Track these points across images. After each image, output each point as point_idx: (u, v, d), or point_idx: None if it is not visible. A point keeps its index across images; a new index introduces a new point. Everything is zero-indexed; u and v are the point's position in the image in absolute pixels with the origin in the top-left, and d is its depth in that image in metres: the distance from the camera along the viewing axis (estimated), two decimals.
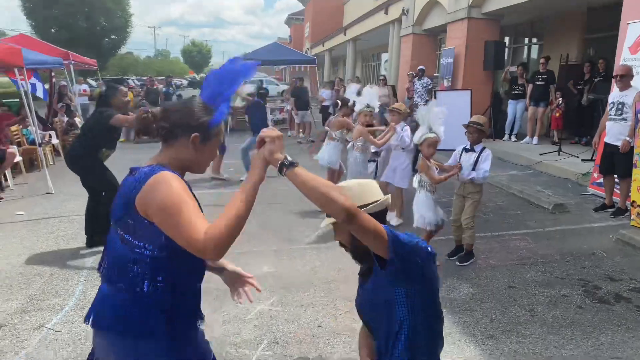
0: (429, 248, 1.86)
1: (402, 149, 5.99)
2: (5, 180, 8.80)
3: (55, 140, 11.62)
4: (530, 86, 11.07)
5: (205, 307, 2.01)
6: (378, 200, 1.93)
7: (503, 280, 4.50)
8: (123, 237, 1.76)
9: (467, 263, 4.85)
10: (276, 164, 1.69)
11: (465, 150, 4.93)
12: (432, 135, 4.86)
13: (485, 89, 12.21)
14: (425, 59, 15.62)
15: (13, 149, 9.09)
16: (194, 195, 1.78)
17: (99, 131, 5.17)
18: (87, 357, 2.01)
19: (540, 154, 9.48)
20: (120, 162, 5.57)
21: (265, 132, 1.75)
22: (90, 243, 5.48)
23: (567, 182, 8.04)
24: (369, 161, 6.63)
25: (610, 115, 6.07)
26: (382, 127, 6.67)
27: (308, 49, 43.65)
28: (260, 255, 5.20)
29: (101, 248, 1.99)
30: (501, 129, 12.07)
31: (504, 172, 9.09)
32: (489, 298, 4.17)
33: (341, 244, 1.98)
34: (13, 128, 10.28)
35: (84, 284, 4.55)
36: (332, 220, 1.85)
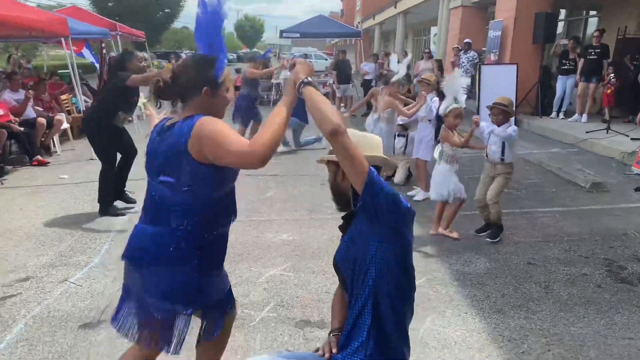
0: (408, 205, 1.83)
1: (429, 120, 5.86)
2: (54, 145, 9.25)
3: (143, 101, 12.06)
4: (582, 61, 10.52)
5: None
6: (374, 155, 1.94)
7: (523, 257, 4.38)
8: (165, 181, 2.00)
9: (498, 239, 4.70)
10: (298, 82, 1.85)
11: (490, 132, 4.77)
12: (457, 105, 4.73)
13: (533, 64, 11.69)
14: (474, 33, 15.06)
15: (61, 116, 9.51)
16: None
17: (115, 95, 5.24)
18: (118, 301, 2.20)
19: (587, 132, 9.05)
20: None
21: (297, 60, 1.97)
22: (103, 211, 5.59)
23: (611, 161, 7.67)
24: (398, 136, 6.53)
25: None
26: (409, 100, 6.54)
27: (359, 22, 42.99)
28: (282, 224, 5.26)
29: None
30: (549, 106, 11.59)
31: (545, 149, 8.76)
32: (504, 273, 4.07)
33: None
34: (63, 97, 10.73)
35: (110, 244, 4.76)
36: (327, 157, 1.95)
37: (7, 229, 5.20)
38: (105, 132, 5.43)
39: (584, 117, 10.51)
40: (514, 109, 4.94)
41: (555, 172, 7.02)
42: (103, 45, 14.33)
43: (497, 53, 12.46)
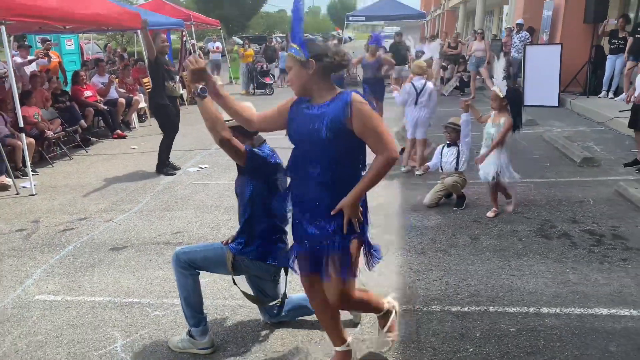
0: (277, 160, 2.86)
1: (415, 103, 6.46)
2: (133, 122, 10.96)
3: (182, 91, 13.70)
4: (630, 39, 10.42)
5: None
6: None
7: (473, 216, 5.10)
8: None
9: (462, 207, 5.37)
10: (193, 90, 2.72)
11: (447, 145, 5.53)
12: (495, 88, 5.03)
13: (584, 44, 11.65)
14: (536, 12, 14.96)
15: (139, 97, 11.18)
16: None
17: (154, 72, 6.65)
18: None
19: (620, 111, 9.13)
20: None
21: (190, 60, 2.49)
22: (159, 170, 7.11)
23: (631, 139, 7.85)
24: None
25: None
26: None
27: (445, 1, 42.44)
28: None
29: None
30: (600, 85, 11.54)
31: (572, 127, 9.03)
32: (448, 227, 4.85)
33: None
34: (145, 80, 12.43)
35: (151, 198, 6.10)
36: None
37: (80, 184, 6.74)
38: (162, 109, 6.87)
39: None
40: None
41: (561, 148, 7.42)
42: (184, 33, 16.07)
43: (549, 33, 12.50)
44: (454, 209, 5.36)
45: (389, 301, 2.98)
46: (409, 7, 18.53)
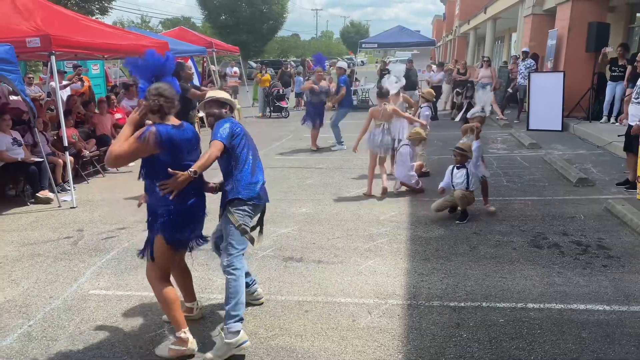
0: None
1: None
2: None
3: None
4: (629, 67, 10.98)
5: None
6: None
7: (474, 229, 5.65)
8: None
9: (465, 221, 5.91)
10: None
11: (456, 167, 6.13)
12: (483, 114, 6.38)
13: (587, 71, 12.25)
14: (542, 40, 15.62)
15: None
16: None
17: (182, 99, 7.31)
18: None
19: (619, 135, 9.65)
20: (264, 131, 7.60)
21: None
22: None
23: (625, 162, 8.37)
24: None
25: (633, 99, 6.61)
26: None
27: (456, 27, 43.42)
28: (306, 202, 6.91)
29: None
30: (602, 111, 12.07)
31: (573, 151, 9.56)
32: (450, 238, 5.40)
33: None
34: None
35: None
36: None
37: (115, 198, 7.40)
38: None
39: None
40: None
41: (559, 169, 7.95)
42: (204, 59, 16.94)
43: (553, 61, 13.11)
44: (457, 222, 5.90)
45: (190, 337, 3.39)
46: (420, 35, 19.31)
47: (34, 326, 3.86)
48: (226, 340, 3.29)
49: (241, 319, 3.39)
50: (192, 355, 3.41)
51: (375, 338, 3.54)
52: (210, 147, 3.38)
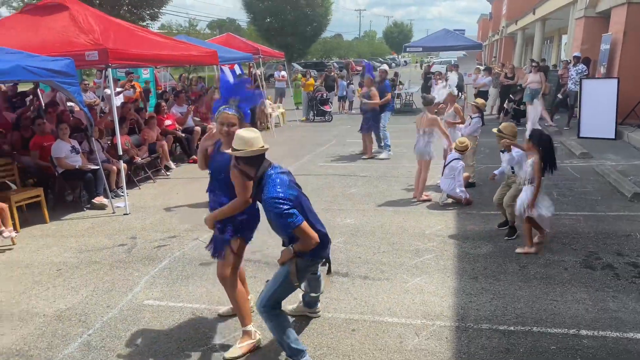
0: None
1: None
2: None
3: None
4: None
5: None
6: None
7: (523, 246, 5.53)
8: None
9: (513, 237, 5.78)
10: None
11: (502, 152, 5.96)
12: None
13: None
14: (596, 44, 15.10)
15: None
16: None
17: None
18: None
19: None
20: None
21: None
22: None
23: None
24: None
25: None
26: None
27: (503, 27, 42.47)
28: (351, 212, 6.95)
29: None
30: None
31: (627, 161, 9.22)
32: (499, 255, 5.32)
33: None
34: None
35: None
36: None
37: (166, 205, 7.63)
38: None
39: None
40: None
41: (612, 182, 7.69)
42: (251, 64, 17.20)
43: (606, 66, 12.67)
44: (505, 238, 5.80)
45: (256, 330, 3.77)
46: (465, 38, 18.99)
47: (93, 335, 4.05)
48: None
49: (304, 351, 3.46)
50: (259, 347, 3.74)
51: None
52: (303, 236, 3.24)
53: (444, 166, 7.27)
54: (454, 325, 3.98)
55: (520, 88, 14.79)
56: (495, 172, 6.09)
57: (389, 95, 10.60)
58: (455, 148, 7.23)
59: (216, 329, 4.08)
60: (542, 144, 5.20)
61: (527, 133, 5.49)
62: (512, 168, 5.80)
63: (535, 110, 6.39)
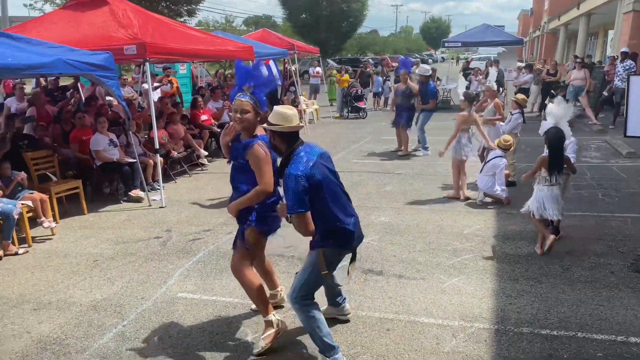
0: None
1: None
2: None
3: None
4: None
5: None
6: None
7: (566, 248, 5.32)
8: None
9: (558, 237, 5.58)
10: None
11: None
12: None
13: None
14: None
15: None
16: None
17: None
18: None
19: None
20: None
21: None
22: None
23: None
24: None
25: None
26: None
27: (545, 23, 41.32)
28: (385, 210, 6.83)
29: None
30: None
31: None
32: (541, 257, 5.11)
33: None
34: None
35: None
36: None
37: (201, 199, 7.67)
38: None
39: None
40: None
41: None
42: (286, 60, 17.18)
43: None
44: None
45: (278, 318, 3.71)
46: (506, 33, 18.48)
47: (128, 326, 4.07)
48: None
49: (336, 348, 3.38)
50: (286, 328, 3.76)
51: None
52: (299, 222, 3.22)
53: (484, 163, 7.04)
54: (493, 328, 3.83)
55: (562, 85, 14.32)
56: None
57: (433, 103, 10.37)
58: (498, 145, 6.99)
59: (249, 324, 4.04)
60: (551, 142, 5.12)
61: (541, 130, 5.31)
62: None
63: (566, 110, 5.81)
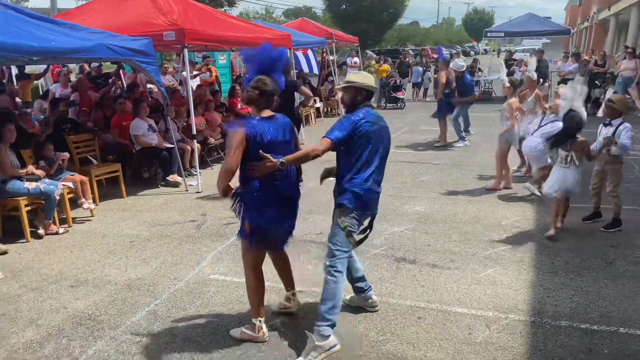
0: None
1: None
2: None
3: (318, 104, 14.58)
4: None
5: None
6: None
7: (611, 241, 5.09)
8: None
9: (613, 230, 5.34)
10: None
11: (604, 125, 5.45)
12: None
13: None
14: None
15: None
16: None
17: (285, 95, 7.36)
18: None
19: None
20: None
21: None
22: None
23: None
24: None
25: None
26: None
27: (594, 13, 39.79)
28: (421, 199, 6.72)
29: None
30: None
31: None
32: (583, 250, 4.91)
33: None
34: None
35: None
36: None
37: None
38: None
39: None
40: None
41: None
42: (324, 49, 17.11)
43: None
44: (601, 229, 5.37)
45: (264, 330, 3.55)
46: (552, 23, 17.81)
47: (160, 305, 4.13)
48: (316, 343, 3.30)
49: (333, 325, 3.35)
50: (264, 342, 3.54)
51: (494, 355, 3.30)
52: (320, 142, 3.25)
53: (538, 127, 6.53)
54: (529, 320, 3.69)
55: (610, 76, 13.74)
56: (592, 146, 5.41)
57: (473, 96, 10.19)
58: (551, 109, 6.58)
59: (278, 307, 4.02)
60: (565, 122, 5.19)
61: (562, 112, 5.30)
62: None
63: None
